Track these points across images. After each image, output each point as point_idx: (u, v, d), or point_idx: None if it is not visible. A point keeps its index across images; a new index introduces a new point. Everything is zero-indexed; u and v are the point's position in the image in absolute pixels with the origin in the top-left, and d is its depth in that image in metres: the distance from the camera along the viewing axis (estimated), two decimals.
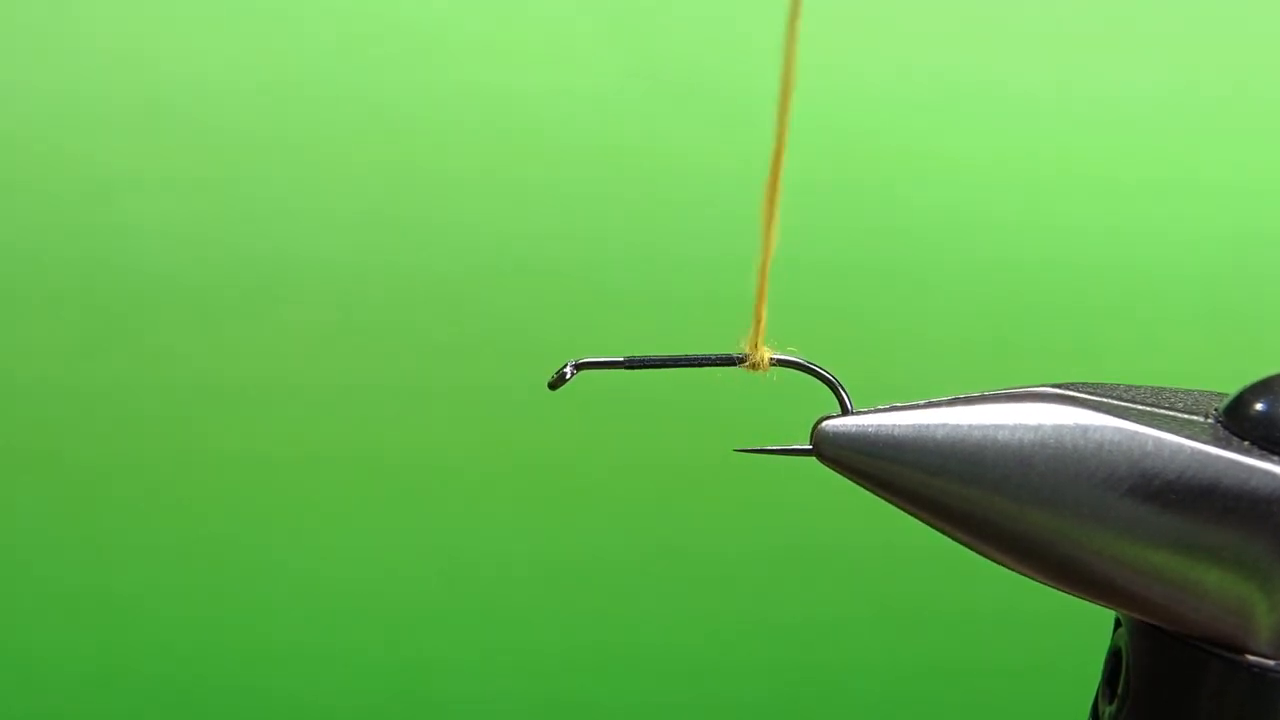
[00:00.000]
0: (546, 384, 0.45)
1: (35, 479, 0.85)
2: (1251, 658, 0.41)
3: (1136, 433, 0.40)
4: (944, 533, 0.43)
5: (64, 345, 0.83)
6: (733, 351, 0.45)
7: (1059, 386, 0.44)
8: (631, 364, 0.45)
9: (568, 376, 0.45)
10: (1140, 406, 0.42)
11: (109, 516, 0.85)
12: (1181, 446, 0.40)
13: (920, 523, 0.43)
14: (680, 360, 0.46)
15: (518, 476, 0.86)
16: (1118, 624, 0.45)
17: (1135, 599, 0.41)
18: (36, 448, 0.85)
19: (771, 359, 0.46)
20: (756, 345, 0.45)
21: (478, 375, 0.84)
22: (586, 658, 0.88)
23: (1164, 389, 0.45)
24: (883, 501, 0.44)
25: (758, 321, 0.44)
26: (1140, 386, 0.45)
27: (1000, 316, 0.85)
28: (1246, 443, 0.40)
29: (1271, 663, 0.41)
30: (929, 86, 0.83)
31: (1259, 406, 0.41)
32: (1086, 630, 0.53)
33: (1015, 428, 0.41)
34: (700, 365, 0.45)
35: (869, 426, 0.43)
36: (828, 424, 0.43)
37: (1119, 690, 0.44)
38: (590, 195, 0.83)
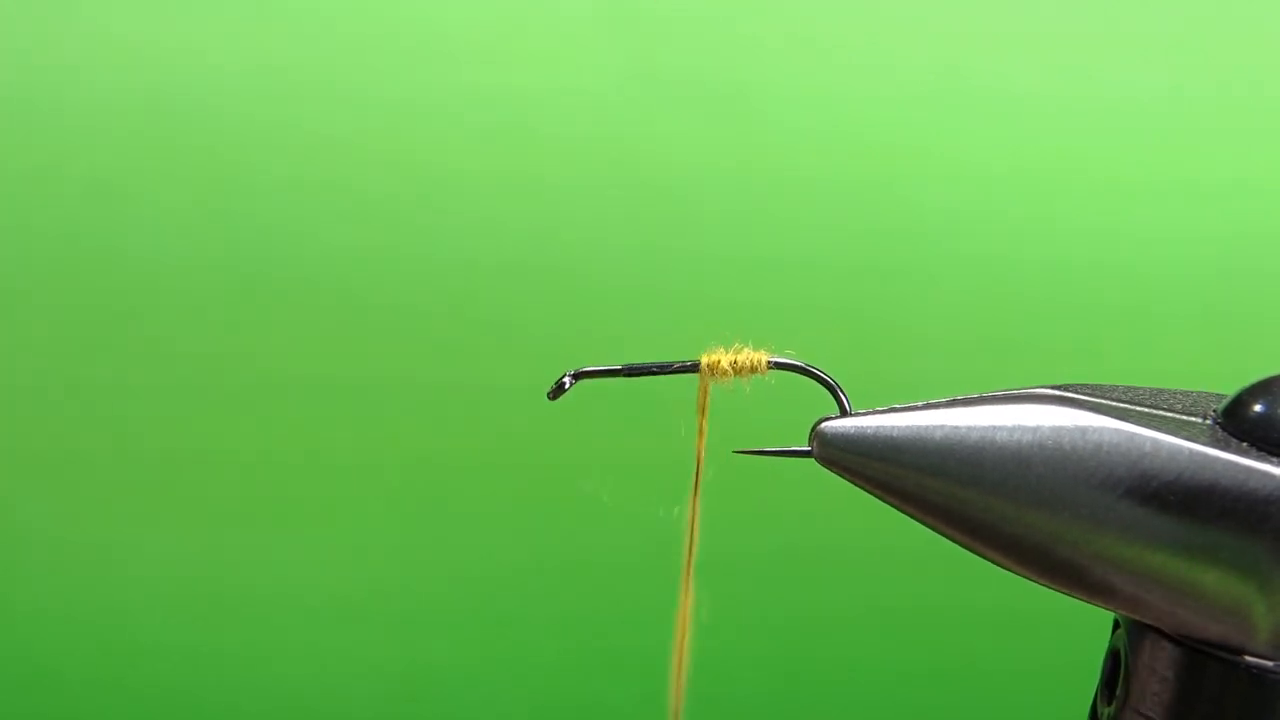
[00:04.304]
0: (546, 394, 0.46)
1: (35, 479, 0.85)
2: (1250, 659, 0.41)
3: (1135, 434, 0.40)
4: (942, 534, 0.43)
5: (63, 344, 0.84)
6: (729, 350, 0.46)
7: (1057, 388, 0.44)
8: (629, 371, 0.46)
9: (566, 386, 0.46)
10: (1138, 408, 0.42)
11: (109, 516, 0.85)
12: (1180, 448, 0.40)
13: (919, 524, 0.43)
14: (674, 367, 0.46)
15: (517, 476, 0.86)
16: (1116, 625, 0.45)
17: (1133, 600, 0.41)
18: (36, 447, 0.85)
19: (769, 362, 0.46)
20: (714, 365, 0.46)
21: (478, 374, 0.84)
22: (585, 658, 0.88)
23: (1162, 390, 0.45)
24: (881, 503, 0.44)
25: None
26: (1139, 387, 0.45)
27: (1000, 316, 0.84)
28: (1245, 444, 0.40)
29: (1270, 664, 0.41)
30: (929, 86, 0.83)
31: (1257, 408, 0.41)
32: (1085, 631, 0.53)
33: (1013, 429, 0.41)
34: (679, 371, 0.46)
35: (867, 428, 0.43)
36: (826, 425, 0.43)
37: (1117, 691, 0.44)
38: (589, 195, 0.83)
